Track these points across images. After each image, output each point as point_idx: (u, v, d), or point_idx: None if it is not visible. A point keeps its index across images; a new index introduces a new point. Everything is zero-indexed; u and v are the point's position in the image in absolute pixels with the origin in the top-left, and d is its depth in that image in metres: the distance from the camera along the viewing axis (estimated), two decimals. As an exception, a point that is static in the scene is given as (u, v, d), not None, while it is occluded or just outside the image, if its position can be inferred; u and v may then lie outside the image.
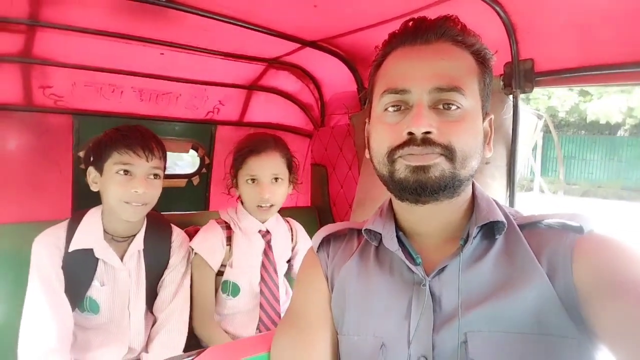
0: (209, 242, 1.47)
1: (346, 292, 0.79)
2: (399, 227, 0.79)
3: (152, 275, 1.37)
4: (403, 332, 0.69)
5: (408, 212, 0.76)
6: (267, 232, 1.54)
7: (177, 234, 1.46)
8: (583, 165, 13.71)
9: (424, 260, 0.73)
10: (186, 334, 1.37)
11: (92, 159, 1.30)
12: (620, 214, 9.25)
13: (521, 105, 1.22)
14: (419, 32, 0.70)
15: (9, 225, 1.46)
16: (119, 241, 1.32)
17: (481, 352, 0.62)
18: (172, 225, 1.48)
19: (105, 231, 1.30)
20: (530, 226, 0.72)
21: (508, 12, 1.13)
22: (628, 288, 0.56)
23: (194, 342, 1.41)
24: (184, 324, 1.37)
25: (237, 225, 1.51)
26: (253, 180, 1.45)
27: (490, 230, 0.72)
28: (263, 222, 1.53)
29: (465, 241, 0.70)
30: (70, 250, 1.25)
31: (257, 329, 1.50)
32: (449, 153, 0.66)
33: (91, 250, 1.27)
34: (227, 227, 1.51)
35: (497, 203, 0.76)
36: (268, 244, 1.53)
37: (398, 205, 0.78)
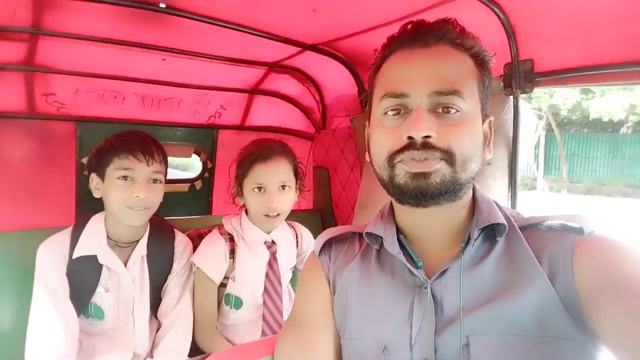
0: (211, 257, 1.44)
1: (348, 296, 0.79)
2: (399, 230, 0.79)
3: (156, 280, 1.37)
4: (405, 336, 0.69)
5: (408, 215, 0.76)
6: (273, 242, 1.49)
7: (180, 239, 1.46)
8: (586, 163, 13.66)
9: (425, 263, 0.73)
10: (191, 339, 1.37)
11: (93, 165, 1.31)
12: (625, 211, 9.20)
13: (522, 105, 1.22)
14: (417, 35, 0.70)
15: (13, 233, 1.47)
16: (123, 247, 1.32)
17: (483, 355, 0.62)
18: (175, 230, 1.49)
19: (108, 237, 1.31)
20: (530, 228, 0.72)
21: (507, 13, 1.13)
22: (629, 289, 0.56)
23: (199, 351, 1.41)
24: (189, 329, 1.38)
25: (241, 237, 1.47)
26: (259, 188, 1.40)
27: (491, 232, 0.72)
28: (268, 233, 1.48)
29: (467, 244, 0.70)
30: (74, 257, 1.26)
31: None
32: (448, 157, 0.66)
33: (95, 256, 1.27)
34: (231, 239, 1.47)
35: (497, 205, 0.76)
36: (273, 255, 1.49)
37: (398, 208, 0.78)
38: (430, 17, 0.72)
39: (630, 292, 0.56)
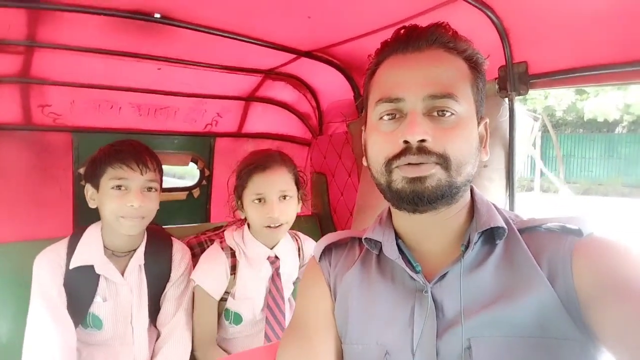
0: (211, 274, 1.40)
1: (349, 301, 0.79)
2: (398, 235, 0.79)
3: (154, 289, 1.37)
4: (406, 340, 0.69)
5: (406, 220, 0.76)
6: (276, 257, 1.45)
7: (178, 247, 1.45)
8: (583, 163, 13.71)
9: (425, 266, 0.73)
10: (190, 348, 1.36)
11: (88, 176, 1.30)
12: (622, 211, 9.23)
13: (517, 107, 1.22)
14: (410, 40, 0.71)
15: (11, 244, 1.46)
16: (120, 256, 1.32)
17: (485, 357, 0.62)
18: (173, 239, 1.48)
19: (105, 247, 1.30)
20: (529, 230, 0.72)
21: (500, 16, 1.14)
22: (628, 290, 0.56)
23: None
24: (188, 338, 1.37)
25: (243, 253, 1.43)
26: (259, 199, 1.36)
27: (490, 235, 0.72)
28: (272, 247, 1.44)
29: (466, 247, 0.70)
30: (71, 267, 1.25)
31: None
32: (443, 162, 0.66)
33: (92, 266, 1.27)
34: (232, 255, 1.43)
35: (496, 207, 0.76)
36: (277, 271, 1.45)
37: (396, 213, 0.78)
38: (424, 21, 0.73)
39: (630, 293, 0.56)
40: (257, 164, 1.37)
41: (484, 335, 0.64)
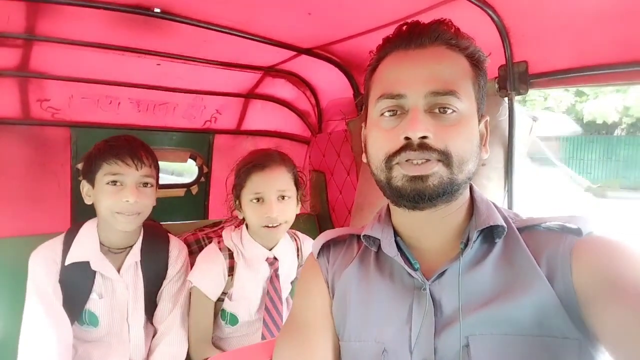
0: (208, 276, 1.38)
1: (347, 298, 0.79)
2: (397, 232, 0.78)
3: (150, 286, 1.36)
4: (404, 337, 0.68)
5: (405, 217, 0.76)
6: (275, 259, 1.43)
7: (175, 244, 1.45)
8: (581, 165, 13.73)
9: (423, 264, 0.73)
10: (187, 345, 1.36)
11: (84, 172, 1.30)
12: (621, 212, 9.24)
13: (516, 107, 1.22)
14: (412, 36, 0.71)
15: (7, 239, 1.46)
16: (116, 253, 1.31)
17: (483, 355, 0.62)
18: (170, 235, 1.47)
19: (101, 243, 1.29)
20: (529, 229, 0.72)
21: (501, 15, 1.14)
22: (627, 290, 0.56)
23: None
24: (185, 335, 1.36)
25: (241, 254, 1.41)
26: (258, 199, 1.34)
27: (489, 234, 0.72)
28: (270, 248, 1.42)
29: (466, 245, 0.70)
30: (66, 263, 1.25)
31: None
32: (445, 158, 0.66)
33: (88, 263, 1.26)
34: (230, 256, 1.41)
35: (495, 206, 0.76)
36: (275, 272, 1.43)
37: (395, 210, 0.78)
38: (425, 19, 0.72)
39: (629, 293, 0.56)
40: (255, 163, 1.36)
41: (482, 333, 0.64)
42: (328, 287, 0.84)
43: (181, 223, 1.85)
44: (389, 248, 0.75)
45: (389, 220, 0.80)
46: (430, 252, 0.75)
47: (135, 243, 1.34)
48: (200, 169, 2.17)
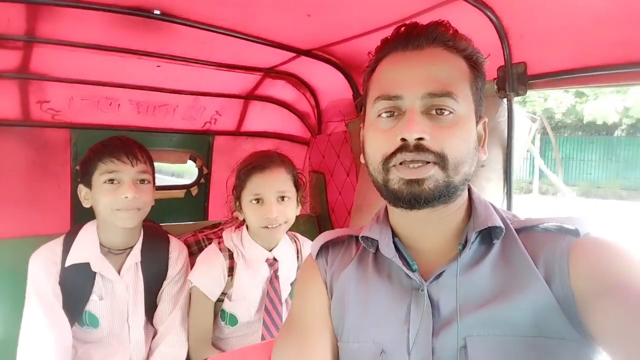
0: (208, 276, 1.39)
1: (345, 299, 0.79)
2: (395, 233, 0.79)
3: (150, 287, 1.36)
4: (402, 338, 0.68)
5: (403, 218, 0.76)
6: (275, 260, 1.44)
7: (175, 245, 1.45)
8: (581, 166, 13.72)
9: (421, 265, 0.73)
10: (187, 346, 1.36)
11: (81, 176, 1.30)
12: (620, 214, 9.24)
13: (515, 108, 1.22)
14: (410, 37, 0.71)
15: (7, 241, 1.46)
16: (116, 254, 1.31)
17: (480, 356, 0.62)
18: (170, 236, 1.48)
19: (101, 244, 1.30)
20: (526, 230, 0.72)
21: (499, 16, 1.14)
22: (624, 291, 0.56)
23: None
24: (185, 336, 1.36)
25: (241, 255, 1.42)
26: (257, 200, 1.35)
27: (487, 235, 0.72)
28: (270, 250, 1.43)
29: (464, 246, 0.70)
30: (66, 265, 1.25)
31: None
32: (441, 161, 0.66)
33: (88, 264, 1.26)
34: (230, 257, 1.42)
35: (494, 207, 0.76)
36: (275, 273, 1.43)
37: (393, 211, 0.78)
38: (424, 20, 0.73)
39: (626, 294, 0.56)
40: (255, 164, 1.37)
41: (480, 334, 0.64)
42: (326, 287, 0.84)
43: (181, 224, 1.85)
44: (387, 249, 0.75)
45: (387, 221, 0.80)
46: (428, 253, 0.75)
47: (135, 244, 1.35)
48: (200, 170, 2.18)
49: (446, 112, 0.67)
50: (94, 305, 1.29)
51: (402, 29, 0.73)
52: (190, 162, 2.21)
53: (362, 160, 0.79)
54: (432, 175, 0.67)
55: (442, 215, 0.73)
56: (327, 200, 2.14)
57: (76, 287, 1.26)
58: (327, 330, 0.79)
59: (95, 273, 1.28)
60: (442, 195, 0.68)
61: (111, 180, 1.24)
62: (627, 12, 0.92)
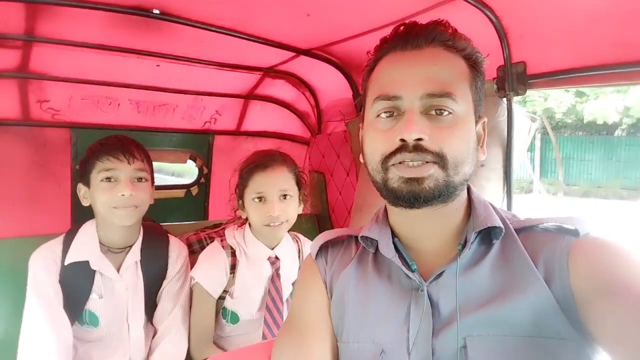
0: (211, 272, 1.40)
1: (345, 299, 0.79)
2: (394, 233, 0.78)
3: (150, 286, 1.36)
4: (402, 338, 0.68)
5: (403, 217, 0.76)
6: (277, 258, 1.45)
7: (175, 244, 1.45)
8: (582, 165, 13.71)
9: (421, 265, 0.73)
10: (187, 345, 1.36)
11: (80, 175, 1.31)
12: (621, 213, 9.23)
13: (515, 107, 1.22)
14: (409, 37, 0.70)
15: (8, 240, 1.46)
16: (116, 252, 1.32)
17: (480, 356, 0.62)
18: (170, 236, 1.48)
19: (101, 243, 1.30)
20: (526, 230, 0.72)
21: (499, 16, 1.14)
22: (624, 291, 0.56)
23: None
24: (185, 335, 1.36)
25: (244, 252, 1.43)
26: (260, 198, 1.37)
27: (487, 235, 0.72)
28: (272, 248, 1.45)
29: (463, 246, 0.70)
30: (66, 263, 1.25)
31: None
32: (440, 160, 0.66)
33: (87, 262, 1.27)
34: (233, 254, 1.43)
35: (493, 207, 0.76)
36: (277, 271, 1.45)
37: (392, 211, 0.78)
38: (423, 20, 0.72)
39: (626, 294, 0.56)
40: (258, 163, 1.39)
41: (480, 334, 0.64)
42: (326, 287, 0.84)
43: (181, 224, 1.85)
44: (387, 249, 0.75)
45: (387, 221, 0.80)
46: (427, 253, 0.75)
47: (134, 243, 1.35)
48: (200, 169, 2.18)
49: (445, 113, 0.67)
50: (93, 303, 1.29)
51: (401, 28, 0.72)
52: (190, 162, 2.21)
53: (362, 160, 0.79)
54: (432, 174, 0.67)
55: (441, 215, 0.73)
56: (327, 200, 2.14)
57: (76, 286, 1.26)
58: (326, 330, 0.79)
59: (94, 271, 1.28)
60: (442, 194, 0.68)
61: (108, 179, 1.25)
62: (626, 12, 0.92)
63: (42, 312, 1.20)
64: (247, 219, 1.45)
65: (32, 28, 1.34)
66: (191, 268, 1.45)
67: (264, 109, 2.19)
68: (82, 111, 1.76)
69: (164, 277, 1.40)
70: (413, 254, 0.75)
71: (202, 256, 1.45)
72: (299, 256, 1.57)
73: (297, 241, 1.59)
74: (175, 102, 1.95)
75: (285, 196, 1.39)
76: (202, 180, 2.17)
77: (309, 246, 1.57)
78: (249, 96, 2.12)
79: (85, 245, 1.28)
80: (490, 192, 1.21)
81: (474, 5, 1.12)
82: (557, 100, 11.98)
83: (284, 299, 1.47)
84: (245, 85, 2.05)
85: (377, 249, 0.79)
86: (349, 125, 1.83)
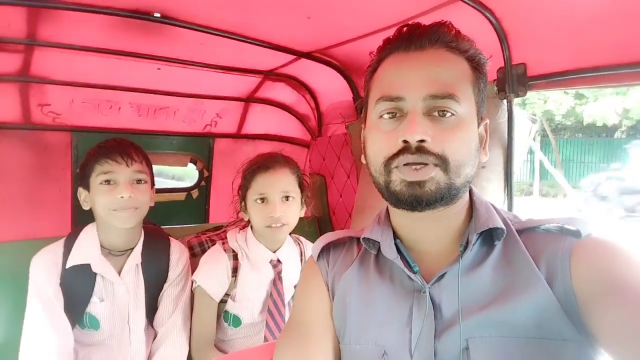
0: (213, 275, 1.40)
1: (347, 301, 0.78)
2: (396, 235, 0.78)
3: (151, 289, 1.36)
4: (405, 340, 0.68)
5: (405, 219, 0.76)
6: (279, 261, 1.45)
7: (176, 247, 1.45)
8: (581, 167, 13.72)
9: (423, 267, 0.73)
10: (187, 348, 1.36)
11: (80, 179, 1.31)
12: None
13: (515, 109, 1.23)
14: (413, 38, 0.70)
15: (9, 244, 1.46)
16: (117, 255, 1.32)
17: (483, 358, 0.62)
18: (171, 238, 1.48)
19: (102, 246, 1.30)
20: (528, 231, 0.72)
21: (499, 18, 1.15)
22: (627, 291, 0.56)
23: None
24: (185, 338, 1.36)
25: (246, 256, 1.43)
26: (262, 199, 1.37)
27: (489, 236, 0.72)
28: (274, 251, 1.45)
29: (465, 248, 0.70)
30: (67, 266, 1.25)
31: None
32: (442, 163, 0.66)
33: (89, 265, 1.27)
34: (234, 257, 1.43)
35: (495, 208, 0.76)
36: (278, 274, 1.45)
37: (394, 212, 0.78)
38: (424, 22, 0.72)
39: (628, 295, 0.56)
40: (260, 164, 1.39)
41: (482, 335, 0.63)
42: (328, 289, 0.84)
43: (182, 227, 1.85)
44: (389, 251, 0.75)
45: (389, 222, 0.80)
46: (429, 254, 0.74)
47: (135, 245, 1.35)
48: (201, 173, 2.18)
49: (448, 114, 0.67)
50: (94, 307, 1.28)
51: (405, 29, 0.72)
52: (190, 165, 2.21)
53: (364, 161, 0.79)
54: (434, 177, 0.66)
55: (443, 217, 0.73)
56: (328, 202, 2.14)
57: (77, 289, 1.26)
58: (328, 332, 0.79)
59: (95, 274, 1.28)
60: (444, 197, 0.68)
61: (107, 181, 1.26)
62: (626, 13, 0.92)
63: (43, 315, 1.20)
64: (249, 221, 1.45)
65: (34, 32, 1.34)
66: (192, 271, 1.45)
67: (265, 111, 2.20)
68: (82, 115, 1.76)
69: (165, 280, 1.40)
70: (415, 256, 0.75)
71: (204, 259, 1.44)
72: (302, 259, 1.57)
73: (299, 244, 1.59)
74: (176, 106, 1.95)
75: (287, 198, 1.39)
76: (203, 183, 2.17)
77: (310, 248, 1.59)
78: (250, 99, 2.12)
79: (87, 248, 1.28)
80: (491, 193, 1.21)
81: (474, 7, 1.12)
82: (556, 102, 11.98)
83: (286, 301, 1.47)
84: (245, 88, 2.05)
85: (379, 251, 0.79)
86: (350, 127, 1.84)
